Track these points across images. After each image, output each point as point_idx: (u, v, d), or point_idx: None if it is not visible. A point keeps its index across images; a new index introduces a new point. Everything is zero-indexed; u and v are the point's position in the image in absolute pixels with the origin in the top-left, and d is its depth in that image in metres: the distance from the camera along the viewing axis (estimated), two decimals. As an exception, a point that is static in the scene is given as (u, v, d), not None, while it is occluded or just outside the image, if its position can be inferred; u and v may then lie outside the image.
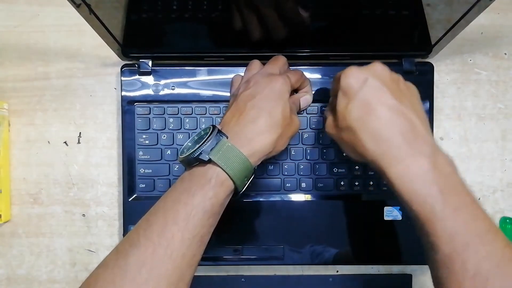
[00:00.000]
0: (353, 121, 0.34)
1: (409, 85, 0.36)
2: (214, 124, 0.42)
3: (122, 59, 0.47)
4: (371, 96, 0.33)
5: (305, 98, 0.44)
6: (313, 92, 0.46)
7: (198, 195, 0.33)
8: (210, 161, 0.34)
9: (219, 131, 0.35)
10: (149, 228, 0.33)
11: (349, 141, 0.35)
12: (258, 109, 0.36)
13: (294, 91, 0.44)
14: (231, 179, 0.34)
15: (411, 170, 0.31)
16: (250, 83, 0.38)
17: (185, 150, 0.36)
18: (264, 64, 0.43)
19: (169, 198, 0.35)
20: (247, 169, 0.35)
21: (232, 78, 0.44)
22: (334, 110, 0.37)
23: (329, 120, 0.38)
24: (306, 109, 0.46)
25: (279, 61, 0.42)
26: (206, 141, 0.34)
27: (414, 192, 0.31)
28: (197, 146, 0.34)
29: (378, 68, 0.35)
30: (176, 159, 0.45)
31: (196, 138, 0.37)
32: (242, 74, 0.44)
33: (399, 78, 0.36)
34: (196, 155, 0.34)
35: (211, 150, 0.34)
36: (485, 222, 0.30)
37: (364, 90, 0.33)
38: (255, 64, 0.42)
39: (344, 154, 0.46)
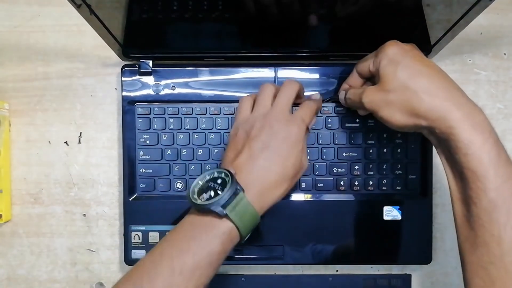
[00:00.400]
0: (406, 79, 0.35)
1: None
2: (228, 170, 0.36)
3: (122, 59, 0.47)
4: (417, 60, 0.35)
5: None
6: (316, 92, 0.46)
7: (207, 247, 0.33)
8: (225, 215, 0.33)
9: (237, 182, 0.34)
10: (154, 275, 0.32)
11: (401, 99, 0.35)
12: (272, 160, 0.36)
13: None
14: (241, 235, 0.35)
15: (472, 122, 0.32)
16: (265, 127, 0.37)
17: (196, 189, 0.35)
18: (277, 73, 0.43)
19: (177, 243, 0.34)
20: (256, 222, 0.35)
21: (240, 100, 0.41)
22: (374, 79, 0.38)
23: (371, 89, 0.37)
24: None
25: (293, 89, 0.39)
26: (224, 192, 0.33)
27: (475, 139, 0.31)
28: (215, 196, 0.33)
29: (414, 46, 0.38)
30: (185, 195, 0.42)
31: (208, 177, 0.36)
32: (249, 94, 0.42)
33: None
34: (213, 207, 0.33)
35: (227, 204, 0.33)
36: None
37: (410, 55, 0.36)
38: (269, 90, 0.39)
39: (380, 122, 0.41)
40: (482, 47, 0.50)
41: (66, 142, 0.50)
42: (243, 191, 0.34)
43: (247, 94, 0.41)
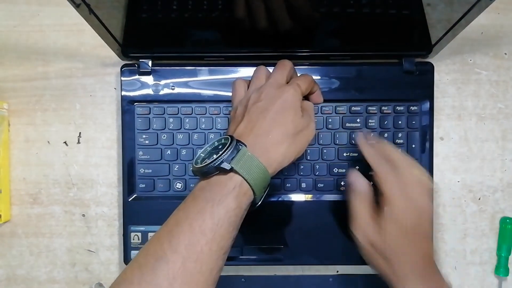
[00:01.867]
0: (395, 255, 0.37)
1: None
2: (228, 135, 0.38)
3: (122, 59, 0.47)
4: (415, 237, 0.37)
5: (318, 97, 0.43)
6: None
7: (223, 205, 0.33)
8: (231, 170, 0.33)
9: (238, 141, 0.35)
10: (175, 240, 0.32)
11: (378, 265, 0.38)
12: (272, 121, 0.36)
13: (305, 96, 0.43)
14: (252, 189, 0.34)
15: None
16: (262, 95, 0.38)
17: (199, 160, 0.35)
18: (269, 65, 0.42)
19: (192, 208, 0.33)
20: (266, 179, 0.35)
21: (234, 83, 0.42)
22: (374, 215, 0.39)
23: (370, 231, 0.38)
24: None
25: (286, 67, 0.41)
26: (227, 150, 0.33)
27: None
28: (217, 156, 0.33)
29: (425, 202, 0.38)
30: (190, 169, 0.41)
31: (209, 149, 0.36)
32: (242, 78, 0.43)
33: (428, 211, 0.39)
34: (217, 164, 0.33)
35: (232, 159, 0.33)
36: None
37: (412, 231, 0.37)
38: (262, 71, 0.41)
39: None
40: (483, 47, 0.50)
41: (65, 142, 0.49)
42: (246, 146, 0.35)
43: (238, 79, 0.42)
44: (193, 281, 0.31)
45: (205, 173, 0.34)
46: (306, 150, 0.47)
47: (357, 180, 0.41)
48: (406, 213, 0.37)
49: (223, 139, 0.36)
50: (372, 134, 0.46)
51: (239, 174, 0.33)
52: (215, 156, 0.34)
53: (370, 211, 0.39)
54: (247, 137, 0.36)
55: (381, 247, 0.37)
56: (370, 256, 0.39)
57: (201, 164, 0.34)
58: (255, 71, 0.42)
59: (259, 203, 0.36)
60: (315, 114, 0.47)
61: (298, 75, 0.42)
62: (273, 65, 0.47)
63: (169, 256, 0.31)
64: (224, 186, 0.33)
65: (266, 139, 0.36)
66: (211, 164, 0.33)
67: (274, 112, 0.37)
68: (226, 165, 0.33)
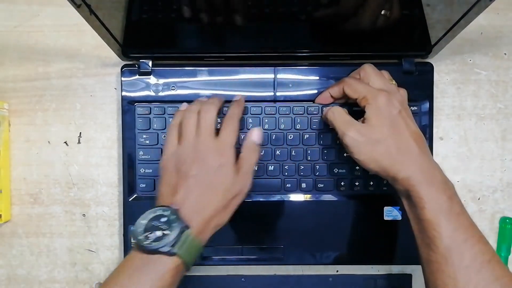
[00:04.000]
0: (387, 137, 0.38)
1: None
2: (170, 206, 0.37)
3: (122, 59, 0.47)
4: (402, 122, 0.39)
5: (256, 135, 0.41)
6: (316, 93, 0.46)
7: (159, 282, 0.34)
8: (175, 254, 0.35)
9: (183, 221, 0.36)
10: None
11: (377, 152, 0.38)
12: (209, 192, 0.37)
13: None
14: (188, 267, 0.36)
15: (430, 180, 0.37)
16: (195, 162, 0.38)
17: (139, 231, 0.35)
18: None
19: (127, 280, 0.34)
20: (200, 252, 0.37)
21: (169, 129, 0.41)
22: (363, 121, 0.40)
23: (356, 127, 0.39)
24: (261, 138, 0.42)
25: (213, 112, 0.40)
26: (172, 232, 0.35)
27: (431, 194, 0.36)
28: (163, 238, 0.34)
29: (402, 95, 0.41)
30: (130, 236, 0.42)
31: (151, 216, 0.36)
32: (173, 123, 0.42)
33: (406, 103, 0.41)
34: (161, 248, 0.34)
35: (175, 243, 0.35)
36: (480, 232, 0.36)
37: (397, 117, 0.39)
38: (191, 117, 0.40)
39: (345, 155, 0.46)
40: (483, 47, 0.50)
41: (65, 142, 0.50)
42: (188, 227, 0.36)
43: (171, 123, 0.42)
44: None
45: (148, 252, 0.35)
46: (306, 151, 0.47)
47: (321, 97, 0.45)
48: (386, 101, 0.39)
49: (166, 211, 0.36)
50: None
51: (180, 258, 0.35)
52: (158, 235, 0.35)
53: (350, 116, 0.41)
54: (185, 211, 0.36)
55: (373, 135, 0.38)
56: (368, 148, 0.39)
57: (143, 240, 0.35)
58: (180, 115, 0.41)
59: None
60: (315, 114, 0.47)
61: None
62: (273, 65, 0.47)
63: None
64: (164, 264, 0.35)
65: (202, 214, 0.37)
66: (156, 247, 0.34)
67: (209, 184, 0.38)
68: (170, 251, 0.34)
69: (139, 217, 0.36)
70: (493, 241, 0.50)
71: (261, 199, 0.47)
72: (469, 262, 0.34)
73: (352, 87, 0.41)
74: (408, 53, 0.46)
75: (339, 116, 0.41)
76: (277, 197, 0.47)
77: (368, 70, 0.42)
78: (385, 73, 0.43)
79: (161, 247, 0.34)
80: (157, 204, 0.38)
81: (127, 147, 0.47)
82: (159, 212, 0.36)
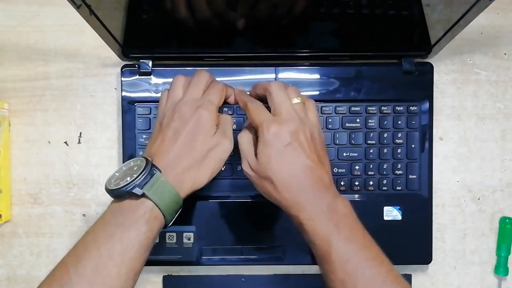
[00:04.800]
0: (272, 174, 0.37)
1: (317, 131, 0.40)
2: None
3: (122, 60, 0.47)
4: (290, 156, 0.37)
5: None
6: (316, 93, 0.46)
7: (133, 229, 0.33)
8: (143, 195, 0.34)
9: (153, 165, 0.35)
10: (81, 264, 0.32)
11: (266, 188, 0.38)
12: (183, 144, 0.37)
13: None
14: (163, 213, 0.35)
15: (315, 213, 0.36)
16: (175, 114, 0.38)
17: (112, 181, 0.35)
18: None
19: (101, 232, 0.34)
20: (178, 203, 0.36)
21: (161, 94, 0.42)
22: (254, 150, 0.39)
23: (250, 159, 0.39)
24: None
25: (202, 80, 0.41)
26: (140, 174, 0.34)
27: (316, 228, 0.36)
28: (131, 179, 0.34)
29: (297, 125, 0.38)
30: (104, 188, 0.40)
31: (124, 168, 0.36)
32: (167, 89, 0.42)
33: (312, 129, 0.39)
34: (129, 188, 0.34)
35: (144, 184, 0.34)
36: (373, 250, 0.35)
37: (285, 151, 0.37)
38: (179, 81, 0.41)
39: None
40: (482, 47, 0.50)
41: (66, 142, 0.50)
42: (160, 171, 0.35)
43: (163, 91, 0.42)
44: None
45: (117, 196, 0.35)
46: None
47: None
48: (275, 135, 0.37)
49: (138, 161, 0.36)
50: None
51: (151, 200, 0.34)
52: (128, 179, 0.34)
53: (250, 142, 0.40)
54: (159, 160, 0.36)
55: (260, 169, 0.38)
56: (257, 184, 0.39)
57: (114, 186, 0.35)
58: (173, 80, 0.42)
59: (170, 224, 0.37)
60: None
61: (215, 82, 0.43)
62: (274, 65, 0.47)
63: (75, 280, 0.31)
64: (135, 211, 0.34)
65: (177, 164, 0.37)
66: (124, 188, 0.34)
67: (186, 135, 0.37)
68: (138, 191, 0.34)
69: None
70: (493, 241, 0.50)
71: (261, 199, 0.47)
72: None
73: (251, 116, 0.39)
74: (408, 53, 0.47)
75: (240, 145, 0.40)
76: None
77: (271, 90, 0.40)
78: (291, 91, 0.40)
79: (128, 187, 0.34)
80: None
81: (127, 147, 0.47)
82: (132, 163, 0.36)
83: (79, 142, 0.50)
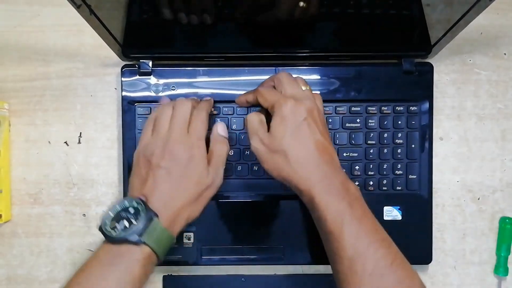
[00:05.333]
0: (287, 147, 0.37)
1: (323, 119, 0.40)
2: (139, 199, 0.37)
3: (122, 59, 0.47)
4: (306, 131, 0.38)
5: (221, 129, 0.42)
6: (316, 93, 0.46)
7: (129, 272, 0.34)
8: (143, 243, 0.34)
9: (150, 210, 0.35)
10: None
11: (277, 163, 0.38)
12: (177, 185, 0.37)
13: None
14: (159, 258, 0.36)
15: (328, 189, 0.36)
16: (165, 154, 0.38)
17: (107, 222, 0.35)
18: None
19: (96, 272, 0.34)
20: (172, 243, 0.37)
21: (145, 124, 0.41)
22: (267, 128, 0.39)
23: (260, 136, 0.39)
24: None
25: (185, 110, 0.40)
26: (139, 221, 0.34)
27: (329, 204, 0.36)
28: (129, 226, 0.34)
29: (316, 102, 0.39)
30: (98, 228, 0.39)
31: (119, 208, 0.36)
32: (150, 117, 0.41)
33: (321, 108, 0.41)
34: (129, 237, 0.34)
35: (144, 231, 0.34)
36: (382, 233, 0.36)
37: (301, 126, 0.38)
38: (165, 112, 0.40)
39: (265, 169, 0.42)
40: (482, 47, 0.50)
41: (66, 142, 0.50)
42: (157, 216, 0.35)
43: (148, 117, 0.42)
44: None
45: (115, 242, 0.35)
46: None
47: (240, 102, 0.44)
48: (291, 110, 0.38)
49: (134, 202, 0.36)
50: None
51: (150, 247, 0.35)
52: (126, 225, 0.35)
53: (261, 121, 0.40)
54: (154, 201, 0.36)
55: (273, 144, 0.38)
56: (267, 158, 0.39)
57: (110, 229, 0.35)
58: (157, 110, 0.41)
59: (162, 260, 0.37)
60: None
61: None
62: (274, 65, 0.47)
63: None
64: (133, 255, 0.34)
65: (172, 205, 0.37)
66: (123, 235, 0.34)
67: (179, 175, 0.37)
68: (138, 240, 0.34)
69: (107, 208, 0.36)
70: (492, 241, 0.50)
71: (261, 199, 0.47)
72: (372, 269, 0.34)
73: (263, 96, 0.40)
74: (408, 53, 0.46)
75: (249, 123, 0.40)
76: (277, 197, 0.47)
77: (281, 77, 0.41)
78: (300, 80, 0.41)
79: (129, 235, 0.34)
80: (128, 196, 0.38)
81: (127, 147, 0.47)
82: (127, 203, 0.36)
83: (79, 142, 0.50)
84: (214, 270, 0.50)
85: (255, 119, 0.40)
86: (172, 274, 0.49)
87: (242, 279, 0.49)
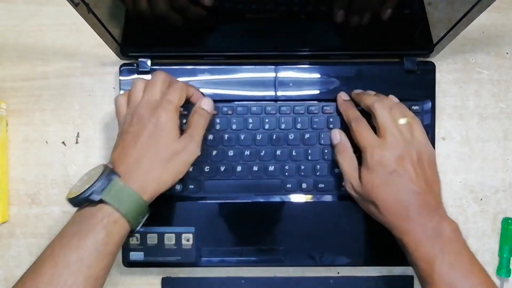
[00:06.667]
0: (375, 198, 0.38)
1: (426, 150, 0.39)
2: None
3: (121, 58, 0.47)
4: (394, 183, 0.38)
5: (206, 103, 0.42)
6: (317, 92, 0.46)
7: (90, 236, 0.33)
8: (101, 201, 0.34)
9: (111, 171, 0.35)
10: (37, 277, 0.32)
11: (370, 210, 0.40)
12: (142, 147, 0.37)
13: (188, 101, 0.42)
14: (124, 218, 0.35)
15: (418, 236, 0.37)
16: (134, 119, 0.38)
17: (73, 191, 0.35)
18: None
19: (57, 243, 0.34)
20: (141, 206, 0.36)
21: (115, 99, 0.41)
22: (357, 167, 0.40)
23: (354, 181, 0.40)
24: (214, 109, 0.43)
25: (158, 80, 0.40)
26: (97, 181, 0.34)
27: (420, 252, 0.36)
28: (88, 186, 0.34)
29: (403, 150, 0.38)
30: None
31: (85, 178, 0.36)
32: (123, 92, 0.42)
33: (420, 149, 0.39)
34: (86, 195, 0.34)
35: (102, 190, 0.34)
36: (480, 276, 0.35)
37: (389, 178, 0.38)
38: (138, 86, 0.40)
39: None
40: (485, 46, 0.50)
41: (63, 142, 0.49)
42: (119, 176, 0.35)
43: (122, 93, 0.42)
44: None
45: (76, 204, 0.35)
46: (307, 150, 0.46)
47: (332, 136, 0.44)
48: (378, 162, 0.38)
49: (98, 168, 0.36)
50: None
51: (109, 204, 0.34)
52: (86, 187, 0.34)
53: (352, 163, 0.41)
54: (120, 165, 0.36)
55: (364, 193, 0.39)
56: (361, 204, 0.41)
57: (73, 194, 0.35)
58: (132, 84, 0.41)
59: (138, 228, 0.37)
60: (316, 114, 0.46)
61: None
62: (274, 64, 0.47)
63: None
64: (93, 217, 0.34)
65: (138, 167, 0.36)
66: (81, 195, 0.34)
67: (145, 138, 0.37)
68: (95, 197, 0.34)
69: None
70: (495, 242, 0.49)
71: (261, 200, 0.47)
72: None
73: (356, 137, 0.41)
74: (410, 52, 0.46)
75: (342, 168, 0.42)
76: (277, 198, 0.47)
77: (376, 110, 0.40)
78: (397, 110, 0.40)
79: (88, 195, 0.33)
80: None
81: (126, 147, 0.46)
82: (92, 172, 0.36)
83: (77, 142, 0.49)
84: (213, 272, 0.49)
85: (347, 162, 0.41)
86: (171, 275, 0.49)
87: (242, 281, 0.49)
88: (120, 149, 0.37)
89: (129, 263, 0.46)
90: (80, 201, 0.34)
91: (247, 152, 0.46)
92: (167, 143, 0.37)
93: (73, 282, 0.32)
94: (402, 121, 0.39)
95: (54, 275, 0.32)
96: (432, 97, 0.47)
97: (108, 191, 0.34)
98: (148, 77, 0.46)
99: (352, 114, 0.42)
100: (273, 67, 0.46)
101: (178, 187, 0.46)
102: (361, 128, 0.40)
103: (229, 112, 0.46)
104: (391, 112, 0.40)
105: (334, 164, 0.46)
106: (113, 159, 0.37)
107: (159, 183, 0.37)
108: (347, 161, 0.41)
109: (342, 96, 0.45)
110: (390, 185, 0.38)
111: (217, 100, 0.46)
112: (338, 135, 0.43)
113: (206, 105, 0.41)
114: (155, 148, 0.37)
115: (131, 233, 0.37)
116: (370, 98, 0.41)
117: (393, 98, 0.43)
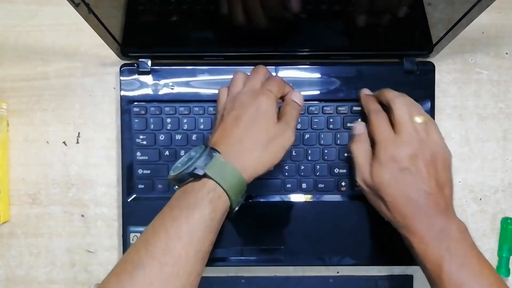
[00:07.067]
0: (384, 194, 0.38)
1: (440, 151, 0.39)
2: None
3: (121, 59, 0.47)
4: (404, 181, 0.38)
5: (297, 96, 0.42)
6: (317, 93, 0.46)
7: (198, 210, 0.33)
8: (205, 175, 0.34)
9: (212, 148, 0.36)
10: (151, 246, 0.32)
11: (378, 205, 0.40)
12: (244, 128, 0.37)
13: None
14: (227, 194, 0.35)
15: (426, 237, 0.37)
16: (236, 104, 0.39)
17: (176, 168, 0.36)
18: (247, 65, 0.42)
19: (167, 216, 0.34)
20: (241, 184, 0.36)
21: (218, 91, 0.43)
22: (371, 160, 0.40)
23: (366, 174, 0.40)
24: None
25: (260, 73, 0.41)
26: (200, 157, 0.35)
27: (427, 253, 0.36)
28: (191, 162, 0.35)
29: (417, 149, 0.38)
30: (167, 177, 0.41)
31: (186, 159, 0.37)
32: (227, 86, 0.43)
33: (434, 149, 0.39)
34: (190, 170, 0.34)
35: (205, 165, 0.34)
36: (490, 277, 0.35)
37: (400, 175, 0.38)
38: (239, 78, 0.42)
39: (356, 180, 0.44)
40: (484, 47, 0.50)
41: (64, 142, 0.49)
42: (219, 153, 0.36)
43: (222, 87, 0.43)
44: (171, 285, 0.31)
45: (180, 180, 0.35)
46: (307, 151, 0.46)
47: (356, 126, 0.43)
48: (391, 157, 0.38)
49: (198, 148, 0.37)
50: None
51: (213, 179, 0.34)
52: (189, 163, 0.35)
53: (367, 155, 0.41)
54: (220, 145, 0.37)
55: (373, 187, 0.39)
56: (370, 198, 0.41)
57: (178, 170, 0.35)
58: (232, 78, 0.42)
59: (237, 208, 0.37)
60: (316, 114, 0.46)
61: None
62: (274, 65, 0.47)
63: (146, 262, 0.32)
64: (198, 192, 0.34)
65: (239, 147, 0.37)
66: (185, 170, 0.35)
67: (247, 120, 0.37)
68: (199, 171, 0.34)
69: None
70: (494, 242, 0.49)
71: (261, 200, 0.47)
72: None
73: (373, 129, 0.41)
74: (409, 53, 0.46)
75: (355, 157, 0.41)
76: (277, 198, 0.47)
77: (395, 105, 0.40)
78: (415, 109, 0.40)
79: (191, 170, 0.34)
80: None
81: (126, 147, 0.46)
82: (192, 152, 0.36)
83: (77, 142, 0.49)
84: (213, 271, 0.49)
85: (360, 152, 0.41)
86: (172, 275, 0.49)
87: (242, 280, 0.49)
88: (221, 130, 0.38)
89: (129, 263, 0.46)
90: (184, 177, 0.35)
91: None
92: (267, 127, 0.38)
93: (186, 254, 0.32)
94: (419, 119, 0.39)
95: (168, 246, 0.32)
96: (431, 97, 0.47)
97: (211, 166, 0.34)
98: (148, 77, 0.46)
99: (373, 106, 0.42)
100: (273, 67, 0.47)
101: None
102: (379, 121, 0.40)
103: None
104: (409, 109, 0.40)
105: (334, 164, 0.46)
106: (214, 141, 0.37)
107: (258, 164, 0.37)
108: (362, 152, 0.41)
109: (365, 91, 0.45)
110: (400, 182, 0.38)
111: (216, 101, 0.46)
112: (363, 128, 0.43)
113: (297, 98, 0.42)
114: (256, 130, 0.37)
115: (229, 213, 0.37)
116: (392, 93, 0.42)
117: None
